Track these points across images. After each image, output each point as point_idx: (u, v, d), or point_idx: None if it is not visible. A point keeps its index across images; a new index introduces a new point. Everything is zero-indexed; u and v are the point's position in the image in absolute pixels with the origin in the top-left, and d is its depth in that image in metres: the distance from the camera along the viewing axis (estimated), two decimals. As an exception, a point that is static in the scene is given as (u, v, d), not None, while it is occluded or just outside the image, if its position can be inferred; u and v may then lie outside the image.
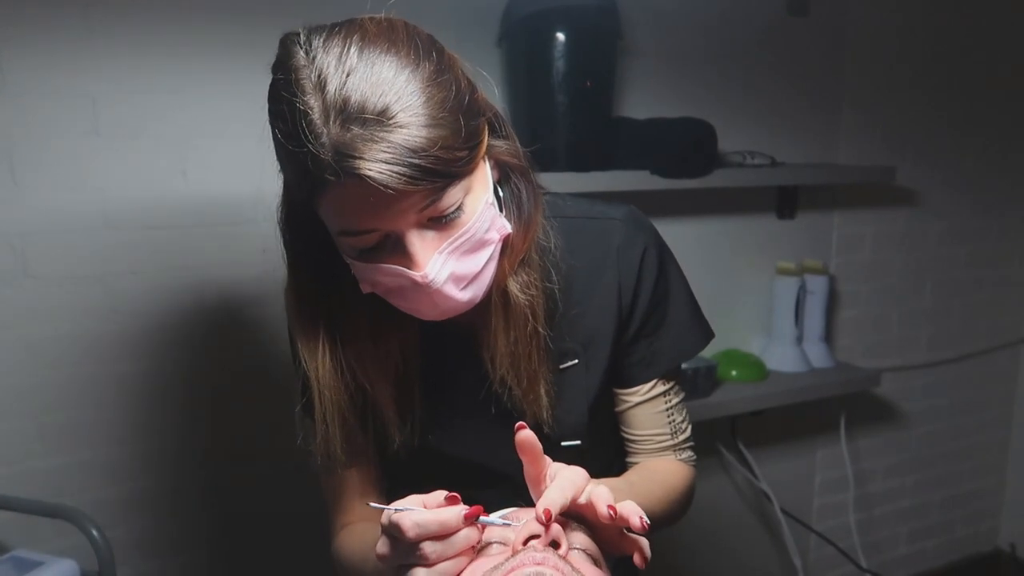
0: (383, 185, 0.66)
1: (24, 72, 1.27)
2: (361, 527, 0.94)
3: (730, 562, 2.13)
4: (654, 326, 0.94)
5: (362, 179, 0.66)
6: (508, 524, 0.68)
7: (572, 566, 0.62)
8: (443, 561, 0.65)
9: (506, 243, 0.82)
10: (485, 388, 0.89)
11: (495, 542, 0.69)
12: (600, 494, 0.66)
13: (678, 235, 1.79)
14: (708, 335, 0.99)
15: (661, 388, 0.96)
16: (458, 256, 0.75)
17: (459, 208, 0.73)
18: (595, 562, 0.67)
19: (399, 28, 0.72)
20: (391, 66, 0.68)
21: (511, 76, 1.59)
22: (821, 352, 2.05)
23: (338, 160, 0.66)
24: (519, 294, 0.84)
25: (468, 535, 0.66)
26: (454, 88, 0.71)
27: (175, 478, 1.49)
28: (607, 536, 0.70)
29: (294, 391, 1.59)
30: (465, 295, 0.78)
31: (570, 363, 0.92)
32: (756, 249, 1.98)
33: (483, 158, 0.77)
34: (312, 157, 0.67)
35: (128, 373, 1.42)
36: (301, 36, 0.72)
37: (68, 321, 1.37)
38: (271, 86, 0.72)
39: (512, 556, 0.63)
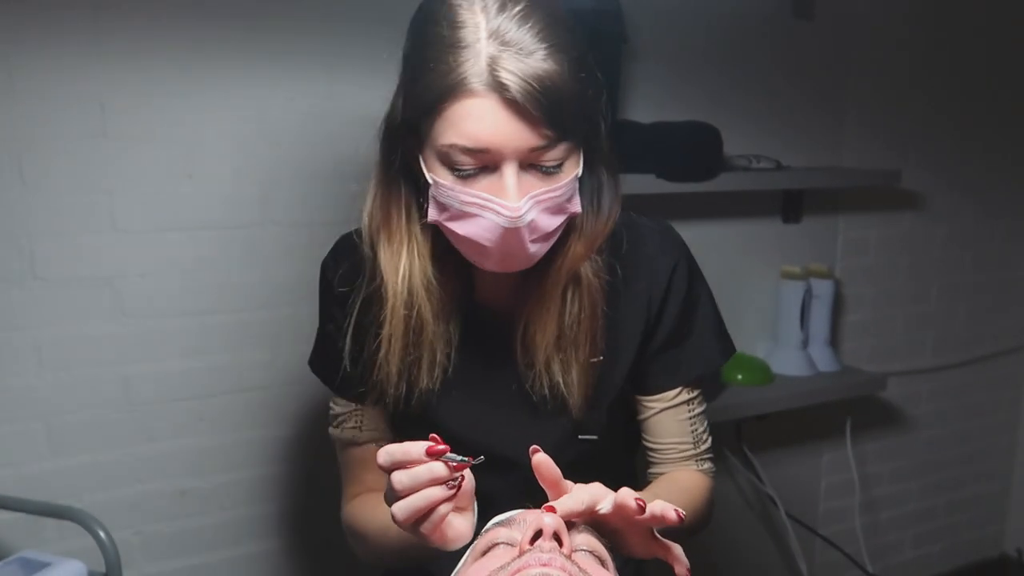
0: (520, 101, 0.73)
1: (33, 76, 1.28)
2: (374, 496, 0.97)
3: (735, 566, 2.13)
4: (680, 337, 0.96)
5: (504, 91, 0.73)
6: (466, 461, 0.70)
7: (578, 566, 0.62)
8: (411, 494, 0.69)
9: (582, 228, 0.87)
10: (513, 377, 0.91)
11: (501, 543, 0.69)
12: (624, 493, 0.67)
13: (683, 239, 1.79)
14: (731, 349, 1.02)
15: (685, 396, 0.98)
16: (542, 208, 0.79)
17: (559, 166, 0.79)
18: (601, 562, 0.67)
19: (559, 7, 0.80)
20: (553, 22, 0.76)
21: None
22: (827, 356, 2.04)
23: (491, 68, 0.73)
24: (593, 278, 0.88)
25: (431, 469, 0.69)
26: (593, 73, 0.81)
27: (182, 481, 1.49)
28: (634, 539, 0.71)
29: (297, 393, 1.59)
30: (531, 248, 0.82)
31: (595, 359, 0.94)
32: (761, 253, 1.98)
33: (580, 145, 0.82)
34: (465, 62, 0.74)
35: (135, 375, 1.42)
36: None
37: (75, 322, 1.37)
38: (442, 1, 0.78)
39: (518, 556, 0.64)
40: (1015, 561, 2.60)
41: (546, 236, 0.82)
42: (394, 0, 1.49)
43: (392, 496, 0.71)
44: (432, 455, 0.69)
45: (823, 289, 2.00)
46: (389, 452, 0.70)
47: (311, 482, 1.59)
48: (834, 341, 2.10)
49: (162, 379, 1.44)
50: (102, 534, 1.16)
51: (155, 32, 1.34)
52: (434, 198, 0.82)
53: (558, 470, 0.69)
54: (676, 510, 0.66)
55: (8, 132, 1.28)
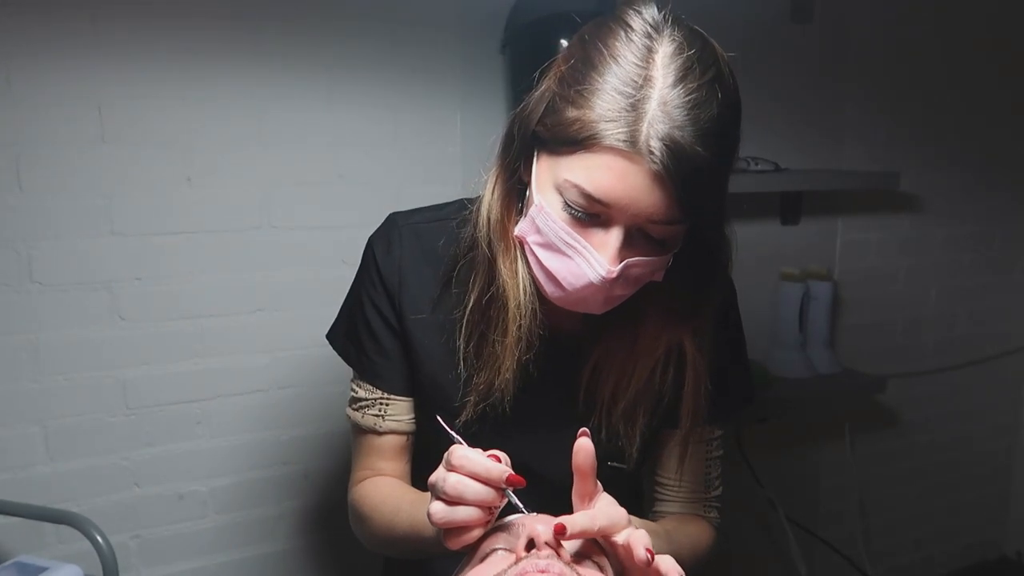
0: (663, 175, 0.71)
1: (31, 79, 1.28)
2: (385, 480, 0.98)
3: (734, 570, 2.12)
4: (718, 376, 0.95)
5: (651, 160, 0.71)
6: (524, 511, 0.69)
7: (577, 572, 0.62)
8: (458, 505, 0.69)
9: (691, 302, 0.87)
10: (570, 411, 0.91)
11: (500, 548, 0.69)
12: (639, 537, 0.66)
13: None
14: (753, 397, 1.04)
15: (707, 436, 0.99)
16: (628, 275, 0.79)
17: (663, 243, 0.79)
18: (600, 569, 0.67)
19: (736, 85, 0.81)
20: (723, 111, 0.76)
21: (515, 82, 1.60)
22: (825, 358, 2.04)
23: (647, 133, 0.71)
24: (698, 354, 0.89)
25: (487, 491, 0.69)
26: (734, 165, 0.81)
27: (179, 485, 1.49)
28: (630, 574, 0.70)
29: (295, 396, 1.59)
30: (605, 304, 0.82)
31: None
32: (760, 255, 1.98)
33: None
34: (625, 116, 0.71)
35: (132, 379, 1.42)
36: (670, 18, 0.76)
37: (73, 327, 1.37)
38: (624, 27, 0.75)
39: (516, 562, 0.63)
40: (1015, 563, 2.60)
41: (619, 298, 0.82)
42: (397, 4, 1.50)
43: (437, 492, 0.70)
44: (510, 484, 0.69)
45: (822, 291, 2.00)
46: (469, 459, 0.69)
47: (309, 485, 1.59)
48: (833, 343, 2.10)
49: (159, 383, 1.44)
50: (99, 538, 1.15)
51: (153, 35, 1.34)
52: (532, 217, 0.80)
53: (595, 463, 0.69)
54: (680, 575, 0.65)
55: (6, 136, 1.28)
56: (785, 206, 2.01)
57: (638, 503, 1.08)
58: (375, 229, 0.99)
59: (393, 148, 1.54)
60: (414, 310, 0.94)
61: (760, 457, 2.07)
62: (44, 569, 1.11)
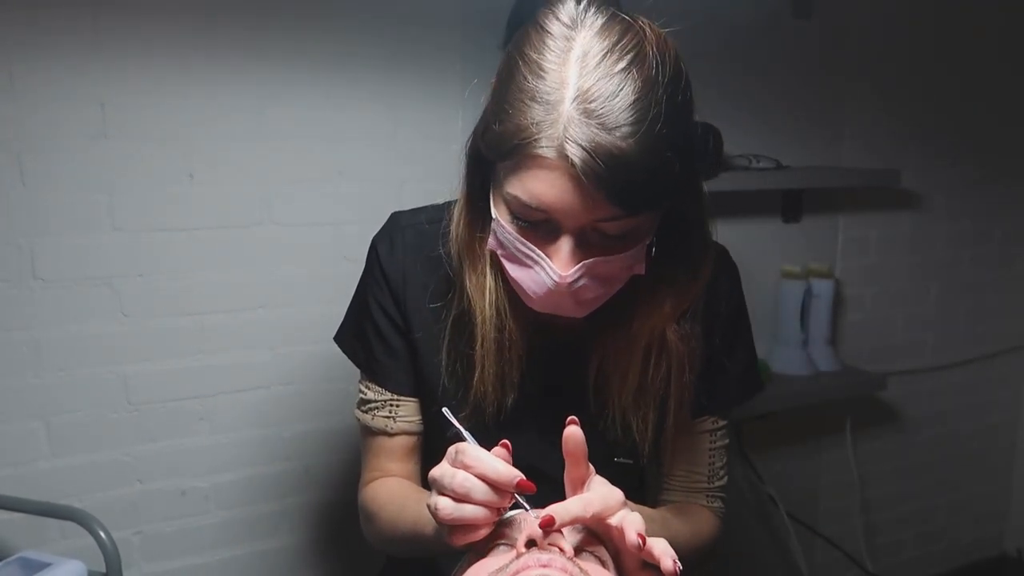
0: (584, 180, 0.69)
1: (33, 75, 1.28)
2: (393, 480, 0.98)
3: (735, 566, 2.13)
4: (721, 364, 0.95)
5: (571, 165, 0.69)
6: (536, 515, 0.69)
7: (579, 567, 0.62)
8: (466, 503, 0.68)
9: (673, 288, 0.85)
10: (581, 411, 0.91)
11: (501, 543, 0.69)
12: (633, 520, 0.66)
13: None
14: (759, 387, 1.01)
15: (710, 426, 0.98)
16: (593, 276, 0.78)
17: (624, 238, 0.77)
18: (602, 563, 0.67)
19: (673, 60, 0.77)
20: (653, 87, 0.72)
21: (516, 79, 1.60)
22: (826, 355, 2.04)
23: (563, 136, 0.70)
24: (679, 343, 0.87)
25: (493, 494, 0.68)
26: (687, 145, 0.77)
27: (182, 481, 1.49)
28: (625, 560, 0.70)
29: (297, 393, 1.59)
30: (580, 307, 0.81)
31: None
32: (761, 252, 1.98)
33: (656, 214, 0.79)
34: (540, 122, 0.70)
35: (134, 375, 1.42)
36: (590, 9, 0.74)
37: (75, 322, 1.37)
38: (540, 31, 0.74)
39: (517, 557, 0.63)
40: (1015, 561, 2.60)
41: (596, 299, 0.81)
42: (399, 1, 1.50)
43: (442, 488, 0.70)
44: (520, 489, 0.69)
45: (823, 289, 2.00)
46: (481, 461, 0.68)
47: (311, 481, 1.59)
48: (834, 340, 2.10)
49: (161, 379, 1.44)
50: (102, 534, 1.15)
51: (155, 31, 1.34)
52: (494, 231, 0.81)
53: (586, 448, 0.69)
54: (674, 560, 0.64)
55: (8, 131, 1.28)
56: (786, 204, 2.01)
57: (641, 496, 1.08)
58: (378, 228, 0.99)
59: (394, 145, 1.54)
60: (417, 311, 0.94)
61: (761, 454, 2.07)
62: (47, 565, 1.12)
